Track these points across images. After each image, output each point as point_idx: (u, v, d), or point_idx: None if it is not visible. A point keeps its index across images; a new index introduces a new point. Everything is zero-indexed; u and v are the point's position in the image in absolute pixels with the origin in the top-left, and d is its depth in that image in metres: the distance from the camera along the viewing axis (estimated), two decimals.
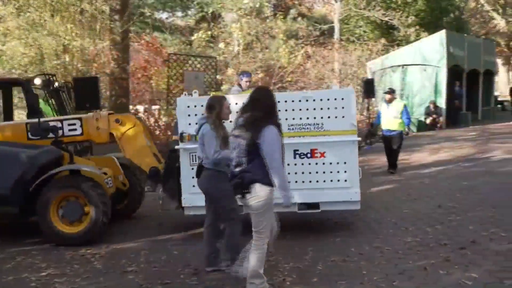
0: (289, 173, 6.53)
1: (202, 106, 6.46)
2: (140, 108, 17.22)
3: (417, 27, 24.66)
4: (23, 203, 7.32)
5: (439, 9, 28.40)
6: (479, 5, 42.84)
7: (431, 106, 20.02)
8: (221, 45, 17.18)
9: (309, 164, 7.12)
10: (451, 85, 21.00)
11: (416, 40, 22.96)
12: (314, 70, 19.36)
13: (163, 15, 27.81)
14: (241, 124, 5.06)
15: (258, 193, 4.93)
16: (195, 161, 6.91)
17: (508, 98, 31.37)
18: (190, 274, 5.95)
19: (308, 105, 7.09)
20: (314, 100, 7.10)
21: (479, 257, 6.06)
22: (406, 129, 12.23)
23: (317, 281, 5.58)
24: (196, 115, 7.00)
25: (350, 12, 26.70)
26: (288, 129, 6.99)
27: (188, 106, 7.17)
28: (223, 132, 5.72)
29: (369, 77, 19.16)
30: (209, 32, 18.09)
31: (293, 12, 21.89)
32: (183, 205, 7.29)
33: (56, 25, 15.12)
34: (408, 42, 24.04)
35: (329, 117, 7.06)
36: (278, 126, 5.08)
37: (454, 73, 20.61)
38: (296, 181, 7.02)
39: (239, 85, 8.90)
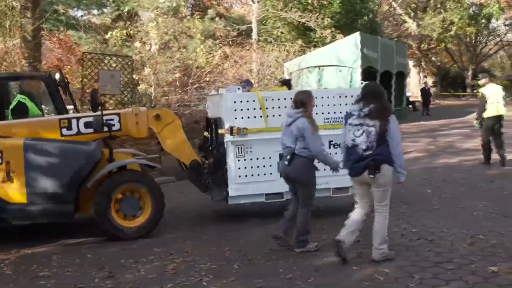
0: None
1: (247, 102, 7.56)
2: None
3: (333, 29, 25.14)
4: (77, 201, 7.12)
5: (353, 12, 29.10)
6: (392, 9, 44.31)
7: None
8: (137, 44, 16.90)
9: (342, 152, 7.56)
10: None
11: (331, 41, 23.41)
12: (232, 70, 19.39)
13: (78, 13, 27.16)
14: (366, 114, 5.72)
15: (386, 173, 5.73)
16: (241, 153, 7.57)
17: (419, 98, 32.51)
18: (105, 277, 5.79)
19: (341, 101, 7.88)
20: (346, 96, 7.88)
21: (391, 252, 6.23)
22: None
23: (234, 280, 5.57)
24: (242, 110, 7.56)
25: (267, 13, 26.92)
26: (324, 122, 7.77)
27: (235, 102, 7.60)
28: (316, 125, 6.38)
29: (286, 77, 19.35)
30: (125, 31, 17.75)
31: (211, 12, 21.87)
32: (229, 195, 7.65)
33: None
34: (324, 43, 24.49)
35: (341, 112, 7.58)
36: None
37: (368, 74, 21.14)
38: (325, 169, 7.25)
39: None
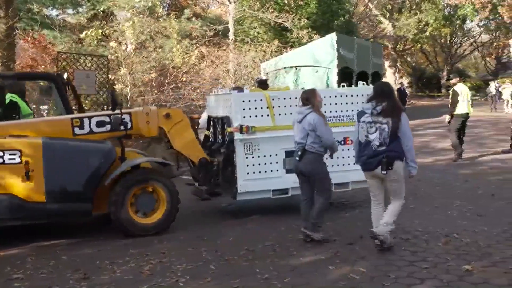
0: (327, 158, 7.15)
1: (255, 101, 7.89)
2: None
3: (309, 29, 25.18)
4: (93, 199, 7.18)
5: (330, 13, 29.18)
6: (368, 10, 44.60)
7: None
8: (113, 44, 16.76)
9: (343, 150, 8.22)
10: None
11: (308, 42, 23.45)
12: (209, 70, 19.30)
13: (53, 12, 26.84)
14: (379, 112, 6.02)
15: (398, 168, 6.06)
16: (249, 150, 7.85)
17: None
18: (80, 279, 5.74)
19: (341, 100, 8.31)
20: (346, 96, 8.38)
21: (367, 252, 6.28)
22: None
23: (210, 281, 5.57)
24: (250, 109, 7.84)
25: (244, 14, 26.88)
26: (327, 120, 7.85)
27: (243, 101, 7.87)
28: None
29: (263, 77, 19.34)
30: (100, 31, 17.58)
31: (187, 12, 21.78)
32: (238, 191, 7.86)
33: None
34: (300, 44, 24.49)
35: (354, 110, 7.98)
36: None
37: (344, 74, 21.20)
38: (332, 165, 7.91)
39: None
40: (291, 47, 24.68)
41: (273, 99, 8.00)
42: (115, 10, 20.63)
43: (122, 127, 7.54)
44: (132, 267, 6.08)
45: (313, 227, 6.71)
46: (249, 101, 7.92)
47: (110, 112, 7.70)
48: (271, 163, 8.00)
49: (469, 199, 8.85)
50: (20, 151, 6.86)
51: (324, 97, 7.84)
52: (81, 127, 7.50)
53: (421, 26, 43.22)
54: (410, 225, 7.32)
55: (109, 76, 15.37)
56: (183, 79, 17.63)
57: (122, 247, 6.89)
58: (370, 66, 23.52)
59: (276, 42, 23.10)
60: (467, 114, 13.08)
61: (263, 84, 13.13)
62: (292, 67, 21.00)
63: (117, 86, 15.97)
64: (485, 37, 54.49)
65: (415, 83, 58.19)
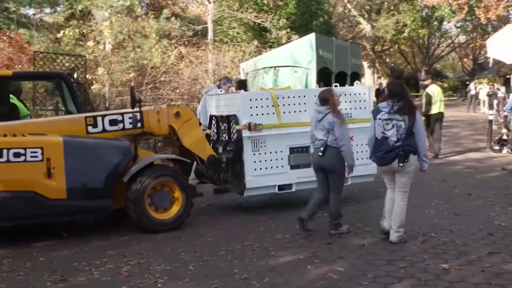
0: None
1: (261, 99, 8.13)
2: None
3: (288, 30, 25.21)
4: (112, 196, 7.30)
5: (309, 13, 29.26)
6: (347, 10, 44.79)
7: None
8: (90, 43, 16.61)
9: None
10: (320, 86, 21.60)
11: (287, 42, 23.48)
12: (188, 70, 19.21)
13: (30, 11, 26.52)
14: (396, 110, 6.42)
15: (413, 162, 6.48)
16: (256, 147, 8.08)
17: (374, 99, 32.88)
18: (57, 281, 5.70)
19: (340, 99, 8.09)
20: (345, 94, 8.63)
21: (345, 251, 6.32)
22: None
23: (189, 281, 5.56)
24: (256, 107, 8.07)
25: (223, 14, 26.83)
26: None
27: (250, 100, 8.10)
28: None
29: (242, 78, 19.31)
30: (78, 30, 17.42)
31: (166, 11, 21.66)
32: (246, 187, 8.08)
33: None
34: (279, 44, 24.51)
35: (355, 108, 8.71)
36: None
37: (323, 75, 21.26)
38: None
39: (219, 87, 10.06)
40: (270, 47, 24.69)
41: (278, 98, 8.25)
42: (93, 9, 20.46)
43: (139, 125, 7.73)
44: (110, 268, 6.03)
45: (335, 226, 7.05)
46: (256, 99, 8.18)
47: (123, 110, 7.99)
48: (276, 159, 8.27)
49: (446, 198, 8.94)
50: (42, 148, 6.92)
51: (314, 96, 8.10)
52: (95, 125, 7.62)
53: (399, 27, 43.47)
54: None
55: (87, 76, 15.22)
56: (162, 79, 17.53)
57: (100, 248, 6.84)
58: (349, 66, 23.59)
59: (255, 42, 23.11)
60: (440, 114, 13.60)
61: (242, 85, 13.14)
62: (271, 67, 21.00)
63: (95, 86, 15.84)
64: (462, 38, 54.99)
65: None
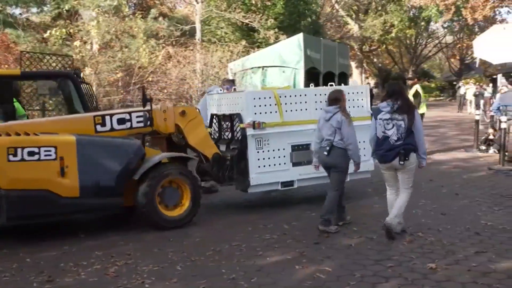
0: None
1: (265, 98, 8.30)
2: None
3: (276, 30, 25.26)
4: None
5: (297, 13, 29.32)
6: (334, 11, 44.94)
7: None
8: (77, 43, 16.54)
9: None
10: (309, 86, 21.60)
11: (275, 42, 23.49)
12: (176, 70, 19.18)
13: (16, 11, 26.35)
14: (396, 109, 6.64)
15: (413, 160, 6.72)
16: (260, 145, 8.25)
17: None
18: (44, 282, 5.66)
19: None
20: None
21: (333, 251, 6.33)
22: None
23: (177, 282, 5.54)
24: (260, 106, 8.24)
25: (211, 14, 26.82)
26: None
27: (254, 98, 8.27)
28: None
29: (230, 78, 19.30)
30: (65, 30, 17.34)
31: (154, 11, 21.60)
32: (250, 184, 8.23)
33: None
34: (267, 44, 24.53)
35: (354, 106, 8.79)
36: None
37: (311, 75, 21.28)
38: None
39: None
40: (258, 47, 24.70)
41: (280, 97, 8.39)
42: (80, 9, 20.37)
43: (149, 123, 7.75)
44: (97, 269, 6.00)
45: (325, 222, 7.11)
46: (259, 98, 8.33)
47: (132, 109, 8.07)
48: (279, 156, 8.43)
49: (433, 198, 8.98)
50: (55, 147, 6.95)
51: (320, 95, 8.65)
52: (103, 124, 7.63)
53: (386, 27, 43.71)
54: (375, 224, 7.38)
55: None
56: (150, 79, 17.51)
57: (87, 248, 6.80)
58: (337, 66, 23.63)
59: (243, 42, 23.10)
60: (423, 114, 14.03)
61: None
62: (259, 67, 20.99)
63: (82, 86, 15.76)
64: (449, 39, 55.34)
65: (381, 83, 58.73)
